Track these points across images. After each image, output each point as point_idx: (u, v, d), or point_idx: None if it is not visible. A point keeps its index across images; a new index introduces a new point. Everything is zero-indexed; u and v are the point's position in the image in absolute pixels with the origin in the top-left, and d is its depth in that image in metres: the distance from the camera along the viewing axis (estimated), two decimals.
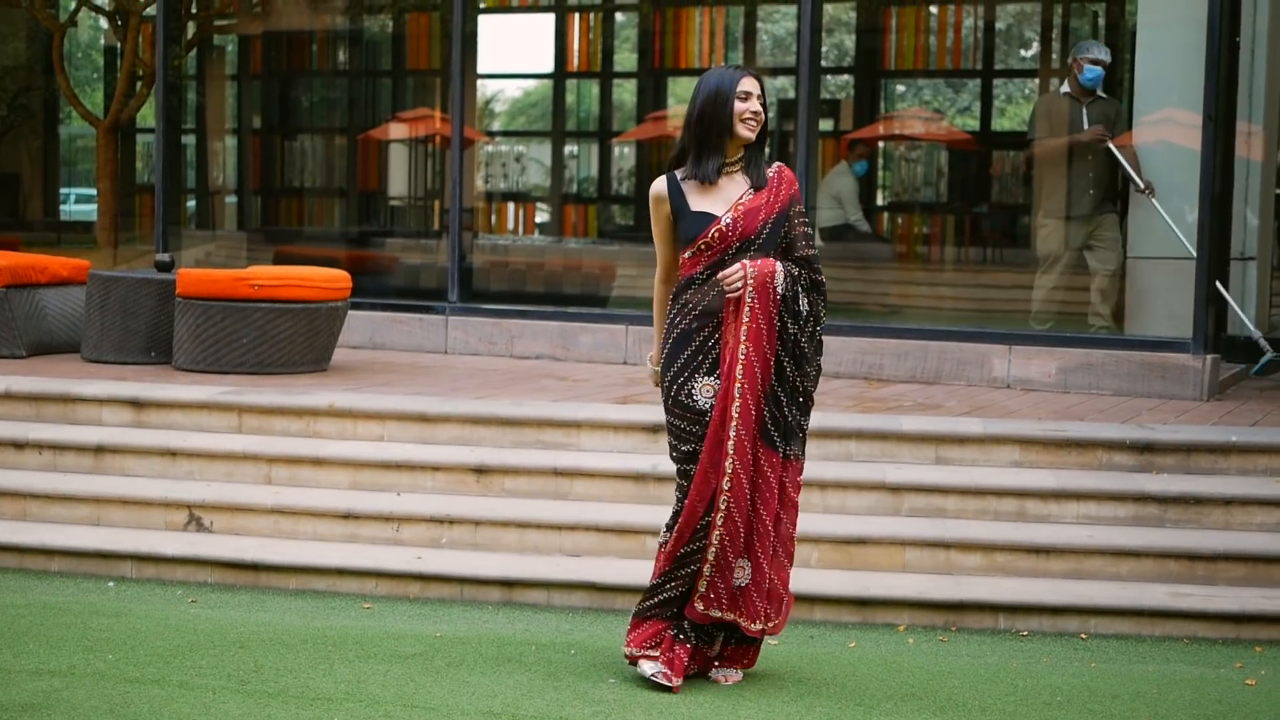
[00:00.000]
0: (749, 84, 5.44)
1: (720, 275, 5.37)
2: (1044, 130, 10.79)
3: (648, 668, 5.56)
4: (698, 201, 5.46)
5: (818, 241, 13.07)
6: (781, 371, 5.43)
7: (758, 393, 5.38)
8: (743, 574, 5.48)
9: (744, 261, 5.37)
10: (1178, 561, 7.12)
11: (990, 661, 6.26)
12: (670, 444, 5.57)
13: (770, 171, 5.52)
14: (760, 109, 5.44)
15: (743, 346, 5.36)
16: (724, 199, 5.46)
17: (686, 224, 5.47)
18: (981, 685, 5.77)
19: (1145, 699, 5.64)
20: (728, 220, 5.41)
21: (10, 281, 10.30)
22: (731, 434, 5.38)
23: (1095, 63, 10.44)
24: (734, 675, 5.67)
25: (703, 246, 5.43)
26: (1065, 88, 10.69)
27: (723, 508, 5.42)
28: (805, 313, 5.44)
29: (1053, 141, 10.73)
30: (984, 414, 8.49)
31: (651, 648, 5.59)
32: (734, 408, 5.37)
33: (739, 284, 5.35)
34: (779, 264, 5.41)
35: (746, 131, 5.44)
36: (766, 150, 5.58)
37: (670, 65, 15.93)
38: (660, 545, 5.60)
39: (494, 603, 7.20)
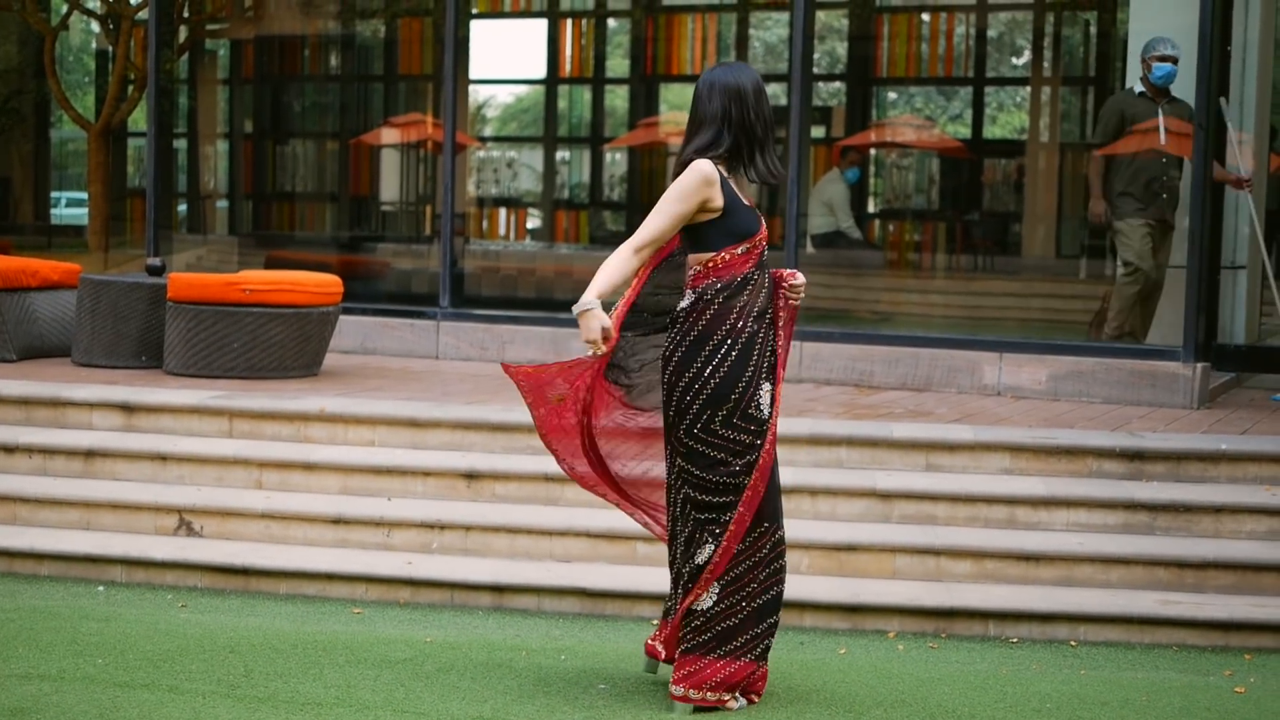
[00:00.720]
0: None
1: (794, 280, 5.30)
2: (1113, 132, 10.11)
3: (736, 706, 5.36)
4: (738, 194, 5.27)
5: (809, 249, 13.09)
6: None
7: None
8: None
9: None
10: (1167, 569, 7.13)
11: (980, 668, 6.27)
12: (715, 465, 5.21)
13: None
14: None
15: (786, 352, 5.34)
16: (747, 198, 5.36)
17: (742, 219, 5.25)
18: (971, 692, 5.78)
19: (1134, 706, 5.65)
20: (761, 219, 5.34)
21: (1, 285, 10.28)
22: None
23: (1164, 59, 9.89)
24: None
25: (759, 241, 5.26)
26: (1140, 87, 10.09)
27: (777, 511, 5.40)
28: None
29: (1124, 145, 10.05)
30: (974, 421, 8.50)
31: (733, 688, 5.33)
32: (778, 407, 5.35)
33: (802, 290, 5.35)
34: None
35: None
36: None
37: (662, 71, 15.94)
38: (696, 571, 5.25)
39: (484, 608, 7.20)
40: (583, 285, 5.36)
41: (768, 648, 5.39)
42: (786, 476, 7.68)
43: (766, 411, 5.23)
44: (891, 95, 16.41)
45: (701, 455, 5.21)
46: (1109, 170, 10.19)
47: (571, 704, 5.40)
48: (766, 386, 5.24)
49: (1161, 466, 7.74)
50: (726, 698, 5.30)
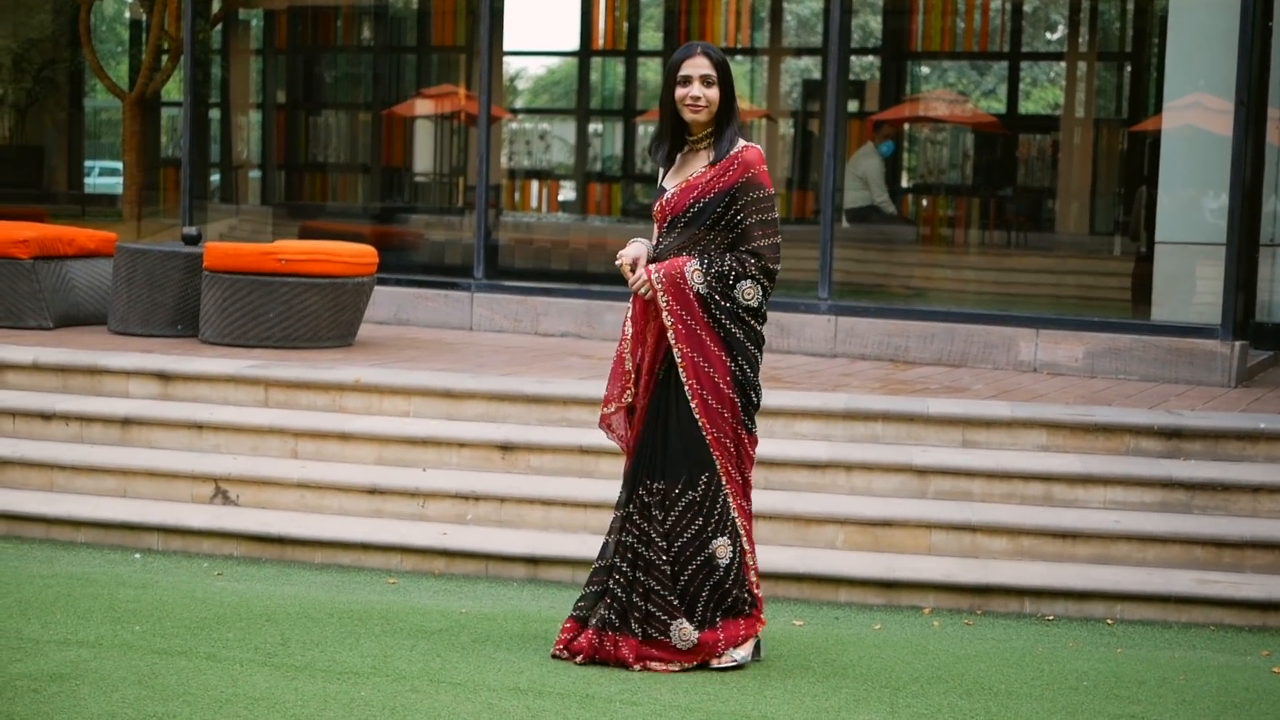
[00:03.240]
0: (690, 66, 5.39)
1: (631, 281, 5.40)
2: None
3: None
4: (668, 176, 5.52)
5: (843, 223, 13.03)
6: (735, 359, 5.40)
7: (728, 388, 5.37)
8: None
9: (648, 266, 5.38)
10: (1204, 548, 7.10)
11: (1016, 645, 6.25)
12: None
13: (733, 150, 5.41)
14: (702, 93, 5.37)
15: (679, 349, 5.36)
16: (684, 175, 5.48)
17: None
18: (1007, 669, 5.76)
19: (1172, 685, 5.63)
20: (667, 197, 5.44)
21: (38, 253, 10.32)
22: (717, 436, 5.41)
23: None
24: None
25: (654, 215, 5.51)
26: None
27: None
28: (747, 301, 5.38)
29: None
30: (1011, 397, 8.47)
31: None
32: (694, 405, 5.37)
33: (645, 290, 5.38)
34: (692, 261, 5.35)
35: (691, 115, 5.42)
36: (740, 125, 5.45)
37: None
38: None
39: (519, 579, 7.20)
40: (615, 257, 5.48)
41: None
42: (821, 451, 7.68)
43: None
44: (925, 70, 16.33)
45: None
46: None
47: (606, 675, 5.40)
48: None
49: (1199, 445, 7.70)
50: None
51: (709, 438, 5.39)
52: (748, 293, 5.37)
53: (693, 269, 5.35)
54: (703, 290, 5.34)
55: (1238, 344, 9.29)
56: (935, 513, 7.30)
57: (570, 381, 8.51)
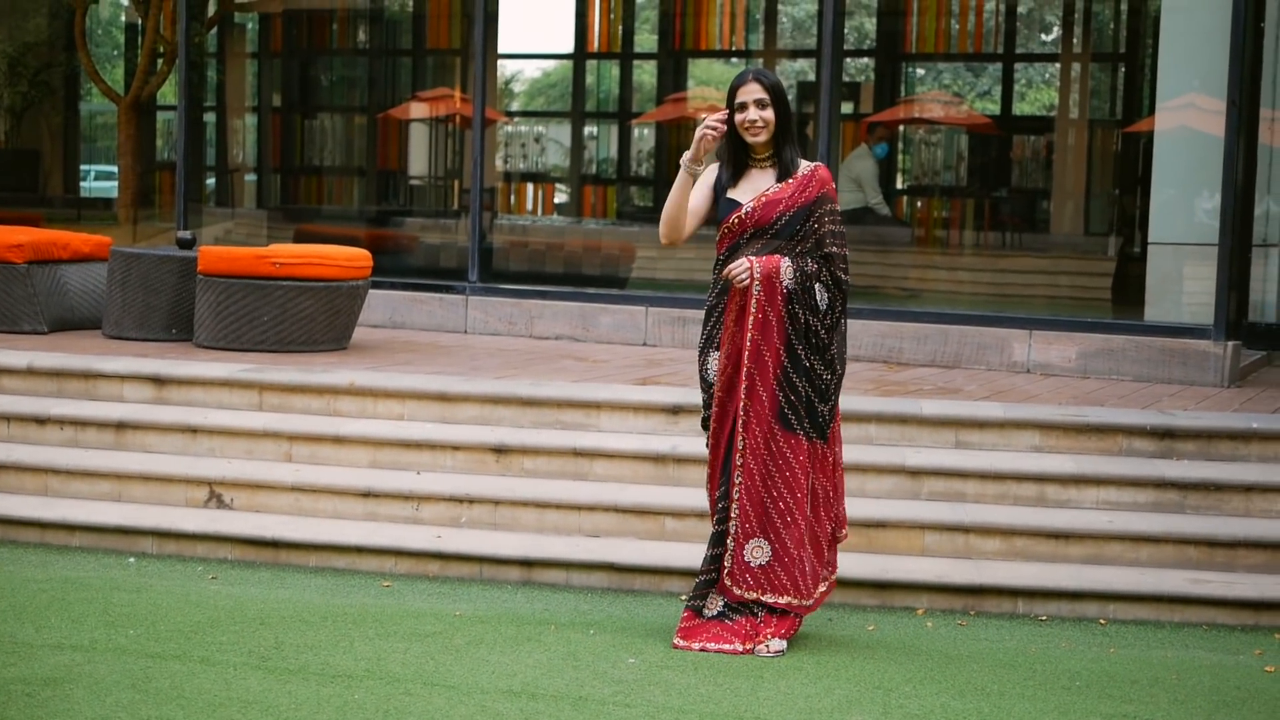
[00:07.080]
0: (744, 92, 5.83)
1: (726, 270, 5.76)
2: None
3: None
4: (732, 189, 5.91)
5: None
6: (796, 359, 5.76)
7: (770, 379, 5.75)
8: (760, 553, 5.78)
9: (750, 257, 5.76)
10: (1197, 548, 7.11)
11: (1009, 646, 6.27)
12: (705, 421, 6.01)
13: (803, 169, 5.88)
14: (758, 116, 5.79)
15: (750, 335, 5.75)
16: (752, 189, 5.88)
17: (719, 207, 5.92)
18: (1000, 669, 5.78)
19: (1164, 685, 5.64)
20: (747, 209, 5.83)
21: (32, 257, 10.32)
22: (742, 416, 5.76)
23: None
24: (775, 646, 5.81)
25: (725, 230, 5.86)
26: None
27: (737, 484, 5.79)
28: (823, 305, 5.79)
29: None
30: (1004, 398, 8.48)
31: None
32: (742, 389, 5.76)
33: (744, 277, 5.72)
34: (785, 260, 5.76)
35: (752, 138, 5.84)
36: (805, 139, 5.79)
37: (690, 47, 15.91)
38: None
39: (513, 582, 7.21)
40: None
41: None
42: None
43: (711, 377, 5.88)
44: (920, 71, 16.36)
45: None
46: None
47: (600, 678, 5.42)
48: (716, 354, 5.86)
49: (1192, 445, 7.71)
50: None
51: (743, 419, 5.77)
52: (820, 293, 5.78)
53: (786, 265, 5.75)
54: (791, 286, 5.74)
55: (1230, 344, 9.30)
56: (928, 514, 7.31)
57: (564, 384, 8.52)
